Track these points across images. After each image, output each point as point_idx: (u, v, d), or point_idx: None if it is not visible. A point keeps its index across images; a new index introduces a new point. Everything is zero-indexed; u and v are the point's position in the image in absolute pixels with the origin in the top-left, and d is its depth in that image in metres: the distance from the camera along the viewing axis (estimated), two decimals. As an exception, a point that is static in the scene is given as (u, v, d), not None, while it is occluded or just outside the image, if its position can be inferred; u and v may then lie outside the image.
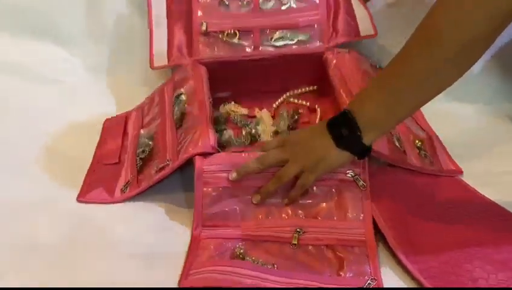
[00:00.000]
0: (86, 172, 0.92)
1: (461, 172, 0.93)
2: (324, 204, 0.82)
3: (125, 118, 1.04)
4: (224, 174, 0.82)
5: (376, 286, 0.72)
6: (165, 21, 1.06)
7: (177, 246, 0.79)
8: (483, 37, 0.69)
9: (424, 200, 0.87)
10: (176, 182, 0.90)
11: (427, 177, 0.91)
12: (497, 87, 1.11)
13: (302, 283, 0.72)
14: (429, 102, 1.00)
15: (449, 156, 0.96)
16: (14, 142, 0.97)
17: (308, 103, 1.04)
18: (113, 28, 1.15)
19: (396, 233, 0.79)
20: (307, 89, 1.06)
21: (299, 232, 0.79)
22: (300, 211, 0.82)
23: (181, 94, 0.94)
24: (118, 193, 0.88)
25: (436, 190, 0.89)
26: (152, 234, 0.81)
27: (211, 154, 0.83)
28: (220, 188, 0.81)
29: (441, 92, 0.75)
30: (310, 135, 0.81)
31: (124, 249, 0.78)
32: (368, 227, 0.79)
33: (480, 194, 0.87)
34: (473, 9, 0.67)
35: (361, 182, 0.82)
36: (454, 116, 1.08)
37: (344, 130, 0.77)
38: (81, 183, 0.90)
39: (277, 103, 1.05)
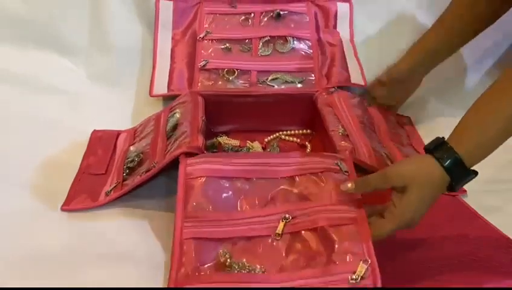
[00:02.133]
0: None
1: None
2: (313, 189, 0.82)
3: (116, 134, 1.05)
4: (207, 166, 0.83)
5: (370, 267, 0.71)
6: (168, 57, 1.14)
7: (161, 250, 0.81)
8: None
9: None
10: (162, 187, 0.91)
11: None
12: None
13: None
14: (431, 111, 1.10)
15: None
16: (16, 151, 0.96)
17: (298, 140, 1.08)
18: (117, 37, 1.15)
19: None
20: (300, 132, 1.10)
21: (287, 219, 0.78)
22: (289, 197, 0.81)
23: (175, 113, 0.97)
24: (102, 197, 0.89)
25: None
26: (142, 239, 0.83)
27: (196, 154, 0.85)
28: (204, 178, 0.81)
29: None
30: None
31: (121, 257, 0.79)
32: (358, 205, 0.79)
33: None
34: None
35: (345, 168, 0.84)
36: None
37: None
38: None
39: (269, 138, 1.08)
